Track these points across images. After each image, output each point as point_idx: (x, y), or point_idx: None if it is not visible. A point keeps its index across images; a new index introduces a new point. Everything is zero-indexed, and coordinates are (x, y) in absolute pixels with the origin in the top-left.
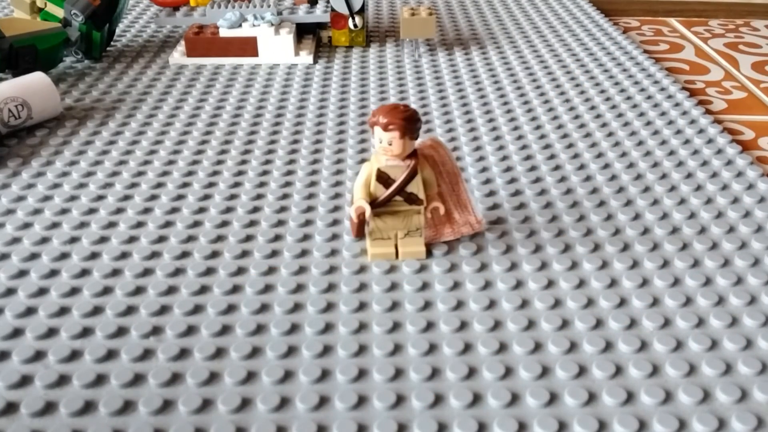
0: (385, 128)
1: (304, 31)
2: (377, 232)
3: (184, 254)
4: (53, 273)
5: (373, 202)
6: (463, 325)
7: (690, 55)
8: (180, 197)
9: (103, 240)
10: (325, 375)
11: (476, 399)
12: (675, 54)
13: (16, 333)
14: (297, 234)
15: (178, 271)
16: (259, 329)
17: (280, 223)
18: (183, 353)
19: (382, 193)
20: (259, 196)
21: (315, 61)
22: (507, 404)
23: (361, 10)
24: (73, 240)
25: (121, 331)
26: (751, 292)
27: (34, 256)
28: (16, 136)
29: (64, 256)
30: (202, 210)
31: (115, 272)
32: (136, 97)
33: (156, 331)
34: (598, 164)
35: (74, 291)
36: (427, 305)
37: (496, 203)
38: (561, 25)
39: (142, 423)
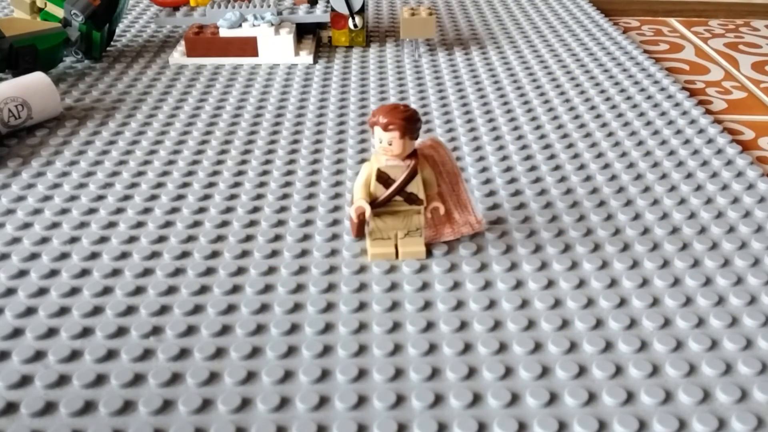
0: (385, 128)
1: (304, 31)
2: (377, 232)
3: (184, 254)
4: (53, 273)
5: (373, 202)
6: (463, 325)
7: (690, 55)
8: (180, 197)
9: (103, 240)
10: (325, 375)
11: (476, 399)
12: (675, 54)
13: (16, 333)
14: (297, 234)
15: (178, 271)
16: (259, 329)
17: (280, 223)
18: (183, 353)
19: (382, 193)
20: (259, 196)
21: (315, 61)
22: (507, 404)
23: (361, 10)
24: (73, 240)
25: (121, 331)
26: (751, 292)
27: (34, 256)
28: (16, 136)
29: (64, 256)
30: (202, 210)
31: (115, 272)
32: (136, 97)
33: (156, 331)
34: (598, 164)
35: (74, 291)
36: (427, 305)
37: (496, 203)
38: (561, 25)
39: (142, 423)
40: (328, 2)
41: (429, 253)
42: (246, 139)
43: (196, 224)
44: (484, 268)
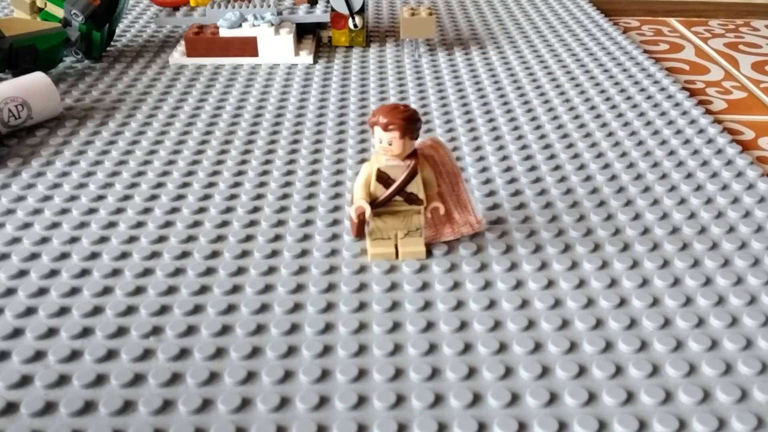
0: (385, 128)
1: (304, 31)
2: (377, 232)
3: (184, 254)
4: (53, 273)
5: (373, 202)
6: (463, 325)
7: (690, 55)
8: (180, 197)
9: (103, 240)
10: (325, 375)
11: (476, 399)
12: (675, 54)
13: (16, 333)
14: (297, 234)
15: (178, 271)
16: (259, 329)
17: (280, 223)
18: (183, 353)
19: (382, 193)
20: (259, 196)
21: (315, 61)
22: (507, 404)
23: (361, 10)
24: (73, 240)
25: (121, 331)
26: (751, 292)
27: (34, 256)
28: (16, 136)
29: (64, 256)
30: (202, 210)
31: (115, 272)
32: (136, 97)
33: (156, 331)
34: (598, 164)
35: (74, 291)
36: (427, 305)
37: (496, 203)
38: (561, 25)
39: (142, 423)
40: (328, 2)
41: (429, 253)
42: (246, 139)
43: (196, 224)
44: (484, 268)
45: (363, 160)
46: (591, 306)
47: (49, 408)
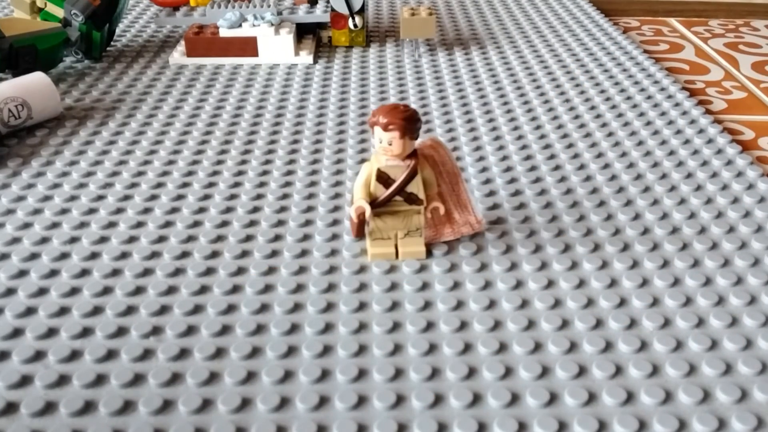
0: (385, 128)
1: (304, 31)
2: (377, 232)
3: (184, 254)
4: (53, 273)
5: (373, 202)
6: (463, 325)
7: (690, 55)
8: (180, 197)
9: (103, 240)
10: (325, 375)
11: (476, 399)
12: (675, 54)
13: (16, 333)
14: (297, 234)
15: (178, 271)
16: (259, 329)
17: (280, 223)
18: (183, 353)
19: (382, 193)
20: (259, 196)
21: (315, 61)
22: (507, 404)
23: (361, 10)
24: (73, 240)
25: (121, 331)
26: (751, 292)
27: (34, 256)
28: (16, 136)
29: (64, 256)
30: (202, 210)
31: (115, 272)
32: (136, 97)
33: (156, 331)
34: (598, 164)
35: (74, 291)
36: (427, 305)
37: (496, 203)
38: (561, 25)
39: (142, 423)
40: (328, 2)
41: (429, 253)
42: (246, 139)
43: (196, 224)
44: (484, 268)
45: (363, 160)
46: (591, 306)
47: (49, 408)
